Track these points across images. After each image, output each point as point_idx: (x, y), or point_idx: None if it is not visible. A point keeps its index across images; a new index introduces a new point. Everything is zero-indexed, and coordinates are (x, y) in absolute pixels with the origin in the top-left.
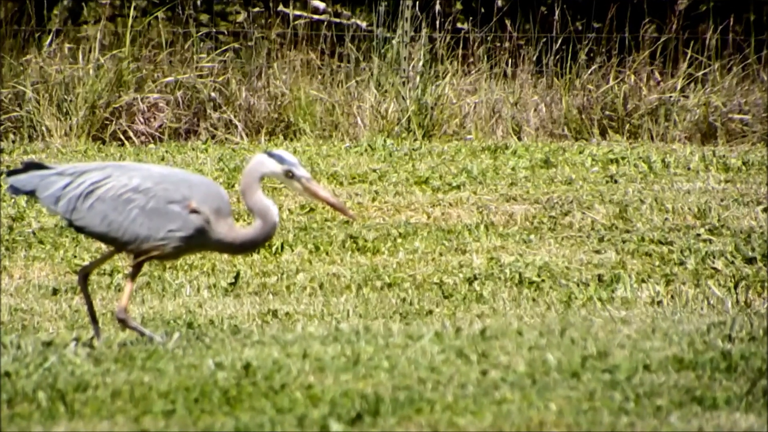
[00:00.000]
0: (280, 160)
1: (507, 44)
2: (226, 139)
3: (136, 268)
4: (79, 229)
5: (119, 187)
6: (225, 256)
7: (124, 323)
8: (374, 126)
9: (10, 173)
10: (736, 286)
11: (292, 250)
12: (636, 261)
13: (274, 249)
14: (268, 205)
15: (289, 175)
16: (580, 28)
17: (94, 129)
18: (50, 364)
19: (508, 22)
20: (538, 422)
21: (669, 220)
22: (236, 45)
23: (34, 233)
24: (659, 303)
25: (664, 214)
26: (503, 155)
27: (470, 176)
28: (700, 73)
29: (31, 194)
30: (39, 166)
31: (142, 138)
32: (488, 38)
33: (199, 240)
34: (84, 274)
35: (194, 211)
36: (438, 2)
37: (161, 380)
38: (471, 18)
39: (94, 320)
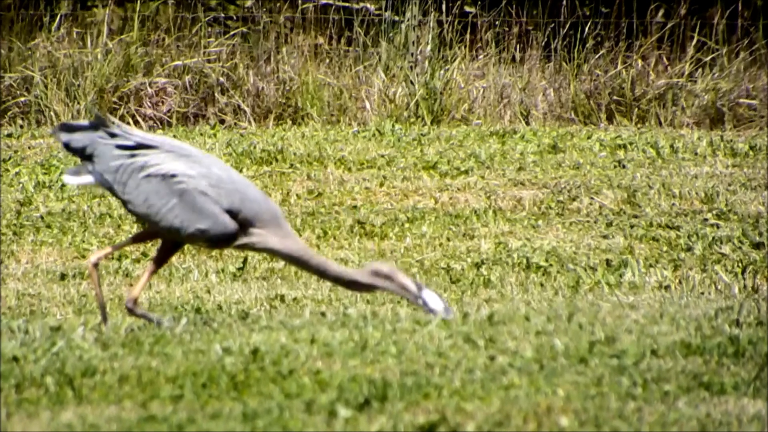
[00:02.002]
0: (424, 303)
1: (515, 29)
2: (234, 123)
3: (160, 261)
4: (125, 203)
5: (171, 174)
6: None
7: (131, 312)
8: (382, 111)
9: (66, 127)
10: (743, 271)
11: (300, 235)
12: (644, 246)
13: None
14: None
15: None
16: (588, 12)
17: (102, 113)
18: (58, 349)
19: (515, 7)
20: (546, 407)
21: (677, 205)
22: (244, 29)
23: (41, 218)
24: (667, 288)
25: (671, 199)
26: (511, 140)
27: (478, 161)
28: (708, 58)
29: (85, 157)
30: (99, 126)
31: (150, 122)
32: (496, 22)
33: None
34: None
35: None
36: None
37: (169, 365)
38: (479, 2)
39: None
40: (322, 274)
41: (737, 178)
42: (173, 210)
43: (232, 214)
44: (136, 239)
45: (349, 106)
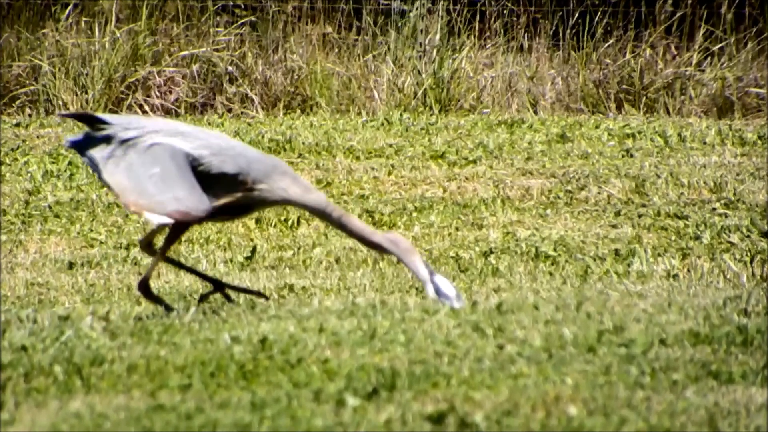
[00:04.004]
0: (437, 290)
1: (523, 17)
2: (242, 113)
3: (170, 241)
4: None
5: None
6: (241, 230)
7: (145, 294)
8: (391, 100)
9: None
10: (751, 260)
11: (309, 225)
12: (652, 235)
13: (290, 223)
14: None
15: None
16: (596, 1)
17: (110, 103)
18: (66, 338)
19: None
20: (554, 396)
21: (685, 194)
22: (253, 18)
23: (50, 207)
24: (675, 277)
25: (680, 189)
26: (519, 129)
27: (486, 150)
28: (716, 47)
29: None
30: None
31: (158, 112)
32: (505, 11)
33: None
34: (147, 244)
35: (250, 189)
36: None
37: (177, 354)
38: None
39: (199, 274)
40: (343, 227)
41: (745, 167)
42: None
43: (243, 177)
44: (169, 243)
45: (358, 96)
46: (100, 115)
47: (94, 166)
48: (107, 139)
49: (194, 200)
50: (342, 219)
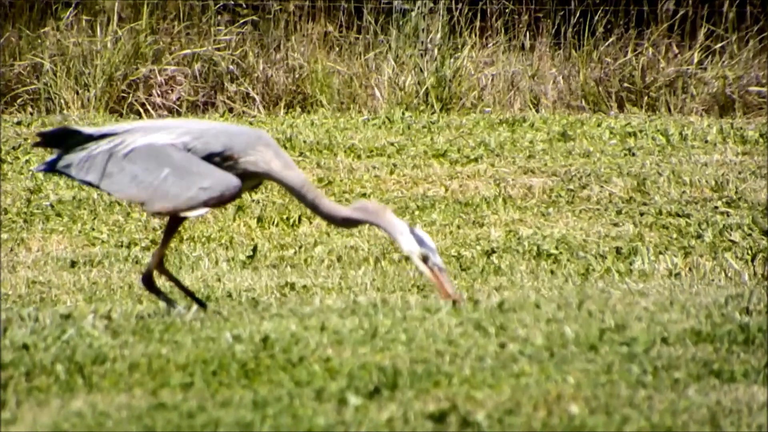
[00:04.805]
0: (420, 241)
1: (525, 16)
2: (243, 111)
3: (169, 233)
4: (110, 193)
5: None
6: (243, 228)
7: (149, 288)
8: (392, 99)
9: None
10: (753, 259)
11: (310, 223)
12: (654, 233)
13: (291, 222)
14: (352, 226)
15: (424, 258)
16: (597, 0)
17: (111, 101)
18: (68, 336)
19: None
20: (556, 395)
21: (686, 192)
22: (254, 17)
23: (51, 206)
24: (677, 275)
25: (681, 187)
26: (521, 128)
27: (488, 149)
28: (717, 46)
29: (65, 173)
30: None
31: (160, 111)
32: (506, 10)
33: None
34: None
35: (236, 161)
36: None
37: (179, 353)
38: None
39: (189, 294)
40: (315, 208)
41: (747, 166)
42: (168, 179)
43: (228, 152)
44: (168, 235)
45: (359, 94)
46: (76, 127)
47: (87, 183)
48: (88, 155)
49: (222, 183)
50: (315, 200)
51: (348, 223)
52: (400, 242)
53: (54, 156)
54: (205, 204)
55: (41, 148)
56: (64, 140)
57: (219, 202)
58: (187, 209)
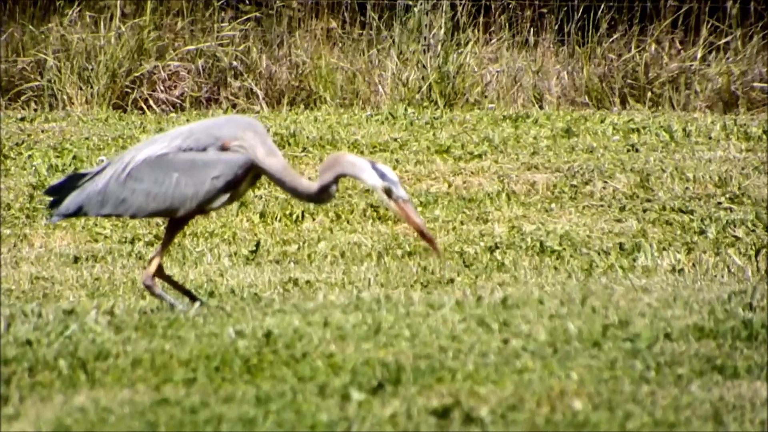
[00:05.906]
0: (382, 175)
1: (528, 12)
2: (247, 107)
3: (171, 234)
4: (133, 216)
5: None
6: (246, 224)
7: (149, 290)
8: (395, 94)
9: (52, 204)
10: (756, 255)
11: (313, 219)
12: (657, 229)
13: (294, 217)
14: (332, 193)
15: (388, 192)
16: None
17: (115, 97)
18: (71, 332)
19: None
20: (559, 391)
21: (690, 188)
22: (257, 13)
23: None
24: (680, 271)
25: (685, 183)
26: (524, 124)
27: (491, 145)
28: (721, 42)
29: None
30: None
31: (163, 106)
32: (510, 6)
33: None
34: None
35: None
36: None
37: (182, 348)
38: None
39: (185, 292)
40: (293, 191)
41: (750, 162)
42: (180, 182)
43: (221, 141)
44: (171, 233)
45: (362, 90)
46: (82, 171)
47: (106, 216)
48: (94, 189)
49: (230, 165)
50: (293, 183)
51: (326, 191)
52: (363, 179)
53: (67, 202)
54: (225, 190)
55: (51, 197)
56: (74, 186)
57: (235, 183)
58: (210, 202)
